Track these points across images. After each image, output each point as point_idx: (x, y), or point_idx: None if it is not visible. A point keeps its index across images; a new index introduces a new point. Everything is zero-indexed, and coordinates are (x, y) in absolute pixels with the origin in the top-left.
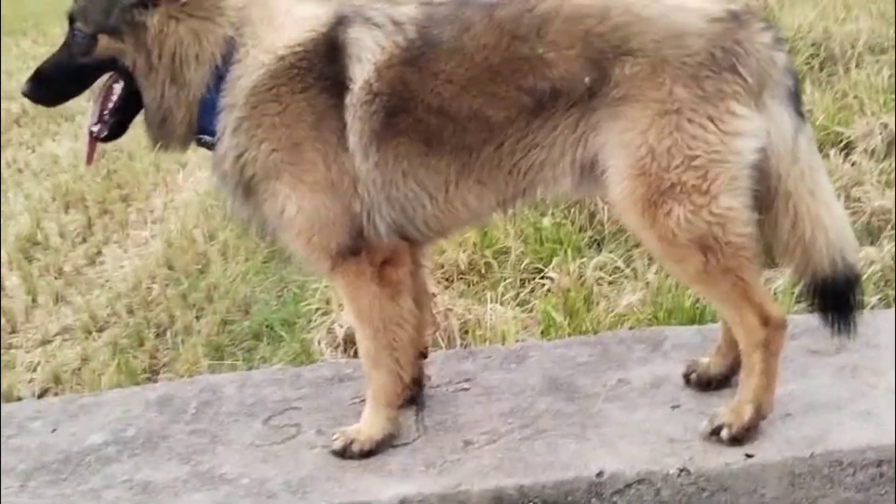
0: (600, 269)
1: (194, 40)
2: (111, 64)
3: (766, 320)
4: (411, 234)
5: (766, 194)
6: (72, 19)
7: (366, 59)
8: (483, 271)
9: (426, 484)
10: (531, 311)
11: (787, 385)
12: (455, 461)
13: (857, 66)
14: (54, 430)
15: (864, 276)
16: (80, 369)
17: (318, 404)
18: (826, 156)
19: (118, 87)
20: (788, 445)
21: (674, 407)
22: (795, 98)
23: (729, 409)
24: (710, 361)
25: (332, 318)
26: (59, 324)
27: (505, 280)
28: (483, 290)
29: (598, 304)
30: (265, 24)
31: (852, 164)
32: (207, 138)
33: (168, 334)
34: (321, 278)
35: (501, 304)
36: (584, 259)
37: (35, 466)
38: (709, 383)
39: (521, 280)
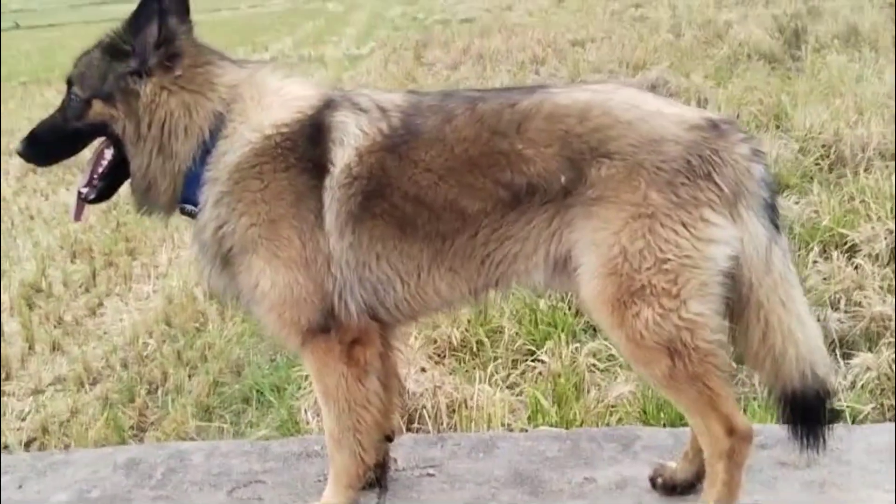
0: (594, 356)
1: (184, 113)
2: (102, 129)
3: (731, 430)
4: (382, 315)
5: (738, 303)
6: (70, 83)
7: (348, 143)
8: (475, 349)
9: None
10: (520, 394)
11: (753, 496)
12: None
13: (866, 170)
14: (20, 487)
15: (860, 384)
16: (68, 421)
17: (283, 479)
18: (829, 258)
19: (109, 153)
20: None
21: None
22: (772, 210)
23: None
24: (677, 466)
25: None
26: (53, 373)
27: (496, 360)
28: (474, 369)
29: (588, 392)
30: (254, 103)
31: (855, 268)
32: (190, 208)
33: (159, 392)
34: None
35: (491, 385)
36: (578, 344)
37: None
38: (674, 488)
39: (512, 361)
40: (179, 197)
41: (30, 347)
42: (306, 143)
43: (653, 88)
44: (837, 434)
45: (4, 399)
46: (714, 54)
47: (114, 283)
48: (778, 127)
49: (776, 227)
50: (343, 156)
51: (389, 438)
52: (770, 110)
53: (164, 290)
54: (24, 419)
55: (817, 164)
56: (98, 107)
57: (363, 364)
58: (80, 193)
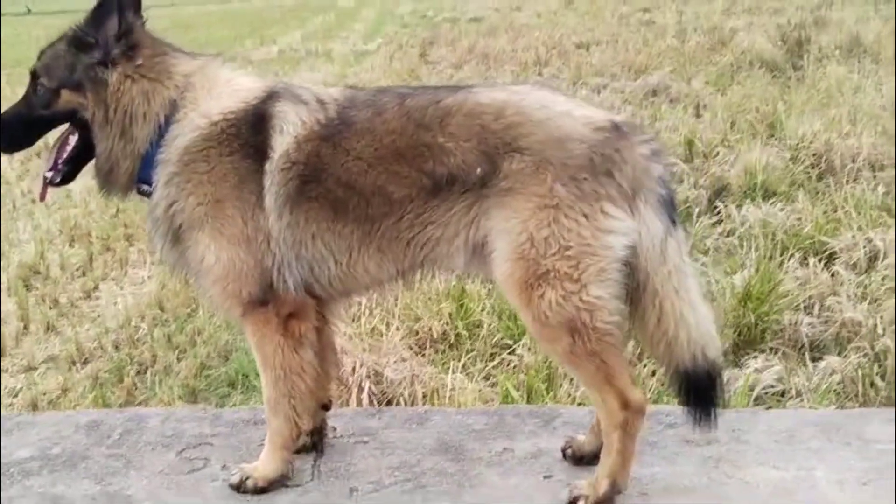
0: None
1: (144, 100)
2: (69, 116)
3: (625, 404)
4: (318, 291)
5: (636, 290)
6: (35, 75)
7: (287, 131)
8: (455, 341)
9: None
10: (494, 385)
11: (652, 468)
12: None
13: (854, 180)
14: None
15: (824, 386)
16: (58, 398)
17: (229, 442)
18: (806, 264)
19: (73, 139)
20: None
21: (546, 477)
22: (669, 205)
23: (587, 482)
24: (584, 439)
25: None
26: (46, 352)
27: (473, 352)
28: (452, 360)
29: (560, 385)
30: (205, 91)
31: (832, 275)
32: (146, 187)
33: (148, 373)
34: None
35: (466, 375)
36: None
37: None
38: (581, 458)
39: (490, 354)
40: (136, 177)
41: (25, 327)
42: (249, 130)
43: (654, 93)
44: (742, 417)
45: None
46: (717, 60)
47: (110, 267)
48: (772, 135)
49: (673, 221)
50: (282, 142)
51: (326, 407)
52: (765, 118)
53: (159, 276)
54: (16, 395)
55: (806, 173)
56: (66, 95)
57: (298, 335)
58: (45, 177)
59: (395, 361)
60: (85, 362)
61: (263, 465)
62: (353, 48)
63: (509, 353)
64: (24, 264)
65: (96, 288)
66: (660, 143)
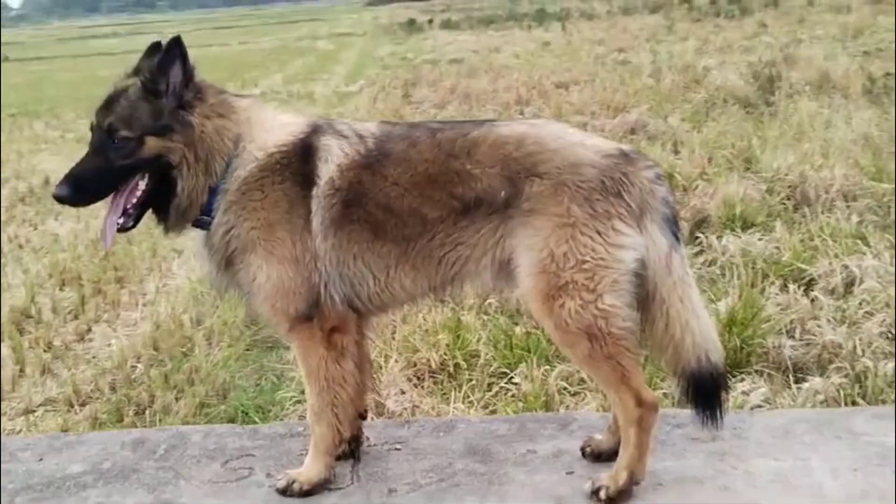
0: (565, 380)
1: (219, 137)
2: (153, 162)
3: (640, 401)
4: (358, 306)
5: (645, 300)
6: (112, 127)
7: (331, 161)
8: (453, 372)
9: None
10: (494, 412)
11: (664, 462)
12: None
13: (829, 210)
14: (40, 460)
15: (809, 406)
16: None
17: (270, 454)
18: (786, 290)
19: (142, 184)
20: None
21: (568, 473)
22: (673, 223)
23: (608, 475)
24: (602, 438)
25: (304, 406)
26: (44, 395)
27: (471, 382)
28: (451, 390)
29: (557, 412)
30: (259, 126)
31: (811, 300)
32: (205, 218)
33: (147, 413)
34: (298, 367)
35: (465, 404)
36: (549, 367)
37: (22, 487)
38: (600, 456)
39: (488, 384)
40: (202, 209)
41: (21, 370)
42: (299, 161)
43: (632, 130)
44: (741, 417)
45: None
46: (692, 98)
47: (102, 309)
48: (748, 168)
49: (676, 238)
50: (327, 171)
51: (363, 416)
52: (741, 153)
53: (152, 317)
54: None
55: (783, 204)
56: (152, 142)
57: (340, 348)
58: (117, 223)
59: (395, 393)
60: (83, 404)
61: (308, 470)
62: (335, 90)
63: (507, 382)
64: (16, 308)
65: (89, 330)
66: (661, 169)
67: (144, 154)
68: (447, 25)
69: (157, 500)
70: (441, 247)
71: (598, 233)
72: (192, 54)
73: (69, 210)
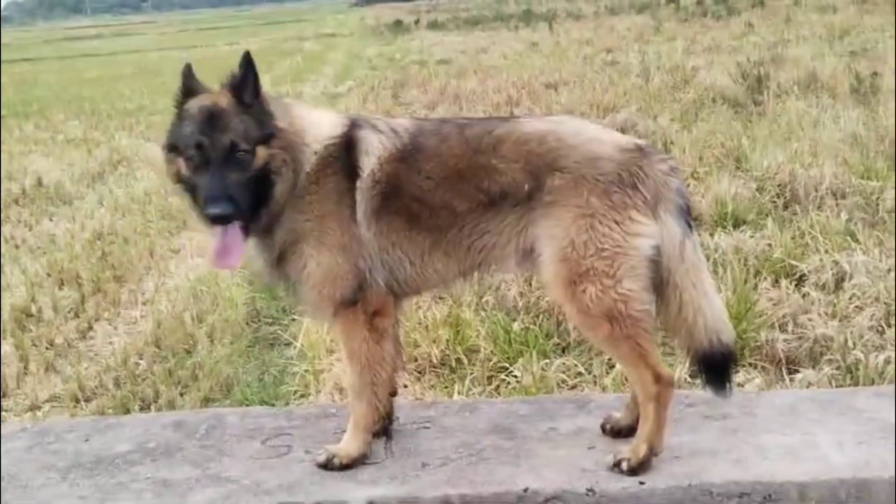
0: (563, 373)
1: (300, 137)
2: (265, 170)
3: (657, 378)
4: (395, 290)
5: (660, 285)
6: (234, 146)
7: (373, 153)
8: (454, 366)
9: (389, 490)
10: None
11: (680, 437)
12: (414, 476)
13: (818, 207)
14: (87, 440)
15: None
16: None
17: (306, 433)
18: (778, 286)
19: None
20: (673, 478)
21: (590, 448)
22: (686, 213)
23: (629, 448)
24: (620, 416)
25: (310, 400)
26: (49, 392)
27: (472, 375)
28: (452, 384)
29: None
30: (311, 123)
31: (803, 296)
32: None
33: (152, 408)
34: (301, 363)
35: (468, 397)
36: (548, 361)
37: (72, 465)
38: (619, 432)
39: (488, 377)
40: None
41: (25, 368)
42: (345, 154)
43: (622, 130)
44: (748, 397)
45: (3, 414)
46: (681, 98)
47: (102, 308)
48: (738, 167)
49: (689, 226)
50: (369, 163)
51: (394, 394)
52: (731, 152)
53: (153, 315)
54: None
55: (773, 202)
56: (262, 152)
57: (381, 330)
58: (241, 237)
59: (398, 387)
60: (88, 399)
61: (347, 445)
62: (323, 91)
63: (507, 376)
64: (17, 307)
65: (91, 328)
66: (675, 161)
67: (259, 163)
68: (434, 26)
69: (204, 474)
70: (469, 235)
71: (616, 222)
72: (181, 56)
73: (63, 210)
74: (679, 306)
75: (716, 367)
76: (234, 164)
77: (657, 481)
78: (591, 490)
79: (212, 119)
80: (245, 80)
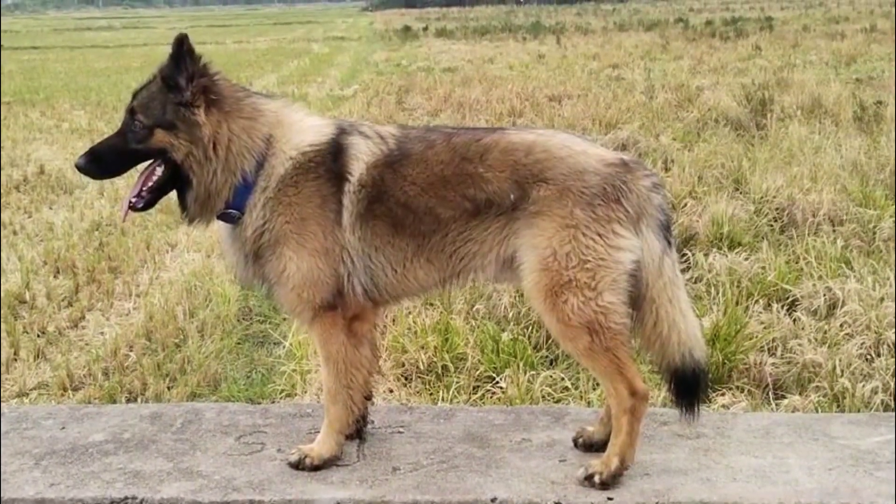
0: (549, 386)
1: (247, 136)
2: (160, 153)
3: (633, 391)
4: (375, 297)
5: (637, 298)
6: (133, 111)
7: (361, 159)
8: (440, 373)
9: (358, 493)
10: None
11: (652, 455)
12: (383, 480)
13: (815, 233)
14: (63, 428)
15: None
16: None
17: (280, 431)
18: (770, 310)
19: (160, 171)
20: (641, 495)
21: (561, 461)
22: (666, 229)
23: (600, 461)
24: (594, 430)
25: (295, 399)
26: (37, 379)
27: (458, 383)
28: (438, 391)
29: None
30: (292, 127)
31: (794, 321)
32: (234, 212)
33: (139, 400)
34: (289, 362)
35: (453, 405)
36: (535, 373)
37: (47, 452)
38: (591, 446)
39: (474, 386)
40: (229, 205)
41: (15, 354)
42: (330, 160)
43: (623, 147)
44: (724, 417)
45: None
46: (684, 117)
47: (96, 298)
48: (737, 189)
49: (669, 242)
50: (357, 168)
51: (368, 398)
52: (731, 173)
53: (146, 308)
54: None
55: (770, 226)
56: (160, 135)
57: (360, 335)
58: (130, 202)
59: (384, 391)
60: (76, 388)
61: (320, 446)
62: (329, 93)
63: (493, 386)
64: (10, 293)
65: (83, 318)
66: (659, 178)
67: (153, 144)
68: (442, 34)
69: (175, 468)
70: (453, 243)
71: (599, 235)
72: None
73: (63, 199)
74: (654, 321)
75: (686, 385)
76: (129, 130)
77: (625, 497)
78: (558, 503)
79: (141, 85)
80: (175, 63)
